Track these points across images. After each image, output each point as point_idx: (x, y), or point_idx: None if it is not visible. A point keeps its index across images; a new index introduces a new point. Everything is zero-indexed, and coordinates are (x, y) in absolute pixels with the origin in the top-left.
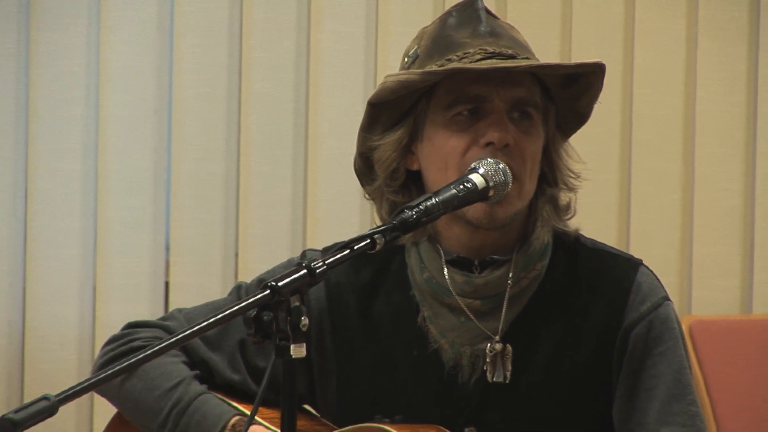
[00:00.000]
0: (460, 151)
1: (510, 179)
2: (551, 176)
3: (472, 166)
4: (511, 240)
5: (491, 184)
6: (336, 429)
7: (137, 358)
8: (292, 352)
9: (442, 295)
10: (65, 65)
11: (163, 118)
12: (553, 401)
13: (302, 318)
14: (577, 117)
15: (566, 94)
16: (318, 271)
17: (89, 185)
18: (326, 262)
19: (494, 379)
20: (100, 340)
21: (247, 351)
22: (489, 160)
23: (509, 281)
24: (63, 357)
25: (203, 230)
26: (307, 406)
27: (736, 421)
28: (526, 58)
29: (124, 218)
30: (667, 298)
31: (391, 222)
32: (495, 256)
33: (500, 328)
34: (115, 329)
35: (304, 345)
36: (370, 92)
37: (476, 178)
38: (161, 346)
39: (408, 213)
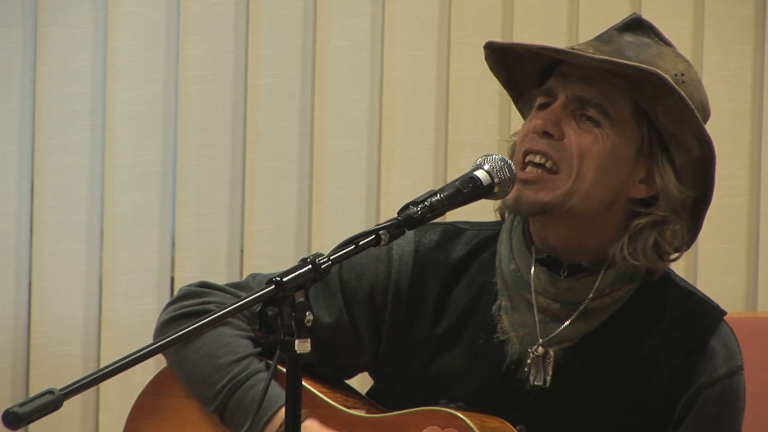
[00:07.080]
0: (522, 136)
1: (515, 176)
2: (644, 202)
3: (478, 162)
4: (595, 249)
5: (496, 180)
6: (389, 413)
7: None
8: (296, 348)
9: (523, 289)
10: (72, 61)
11: (169, 114)
12: (603, 420)
13: (307, 313)
14: (674, 141)
15: (650, 109)
16: (323, 266)
17: (95, 180)
18: (331, 257)
19: (534, 382)
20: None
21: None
22: (495, 156)
23: (591, 294)
24: (68, 352)
25: (209, 226)
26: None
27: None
28: (603, 60)
29: (130, 214)
30: (742, 367)
31: (396, 218)
32: (584, 264)
33: (555, 334)
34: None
35: (309, 340)
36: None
37: (481, 174)
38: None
39: (413, 209)
